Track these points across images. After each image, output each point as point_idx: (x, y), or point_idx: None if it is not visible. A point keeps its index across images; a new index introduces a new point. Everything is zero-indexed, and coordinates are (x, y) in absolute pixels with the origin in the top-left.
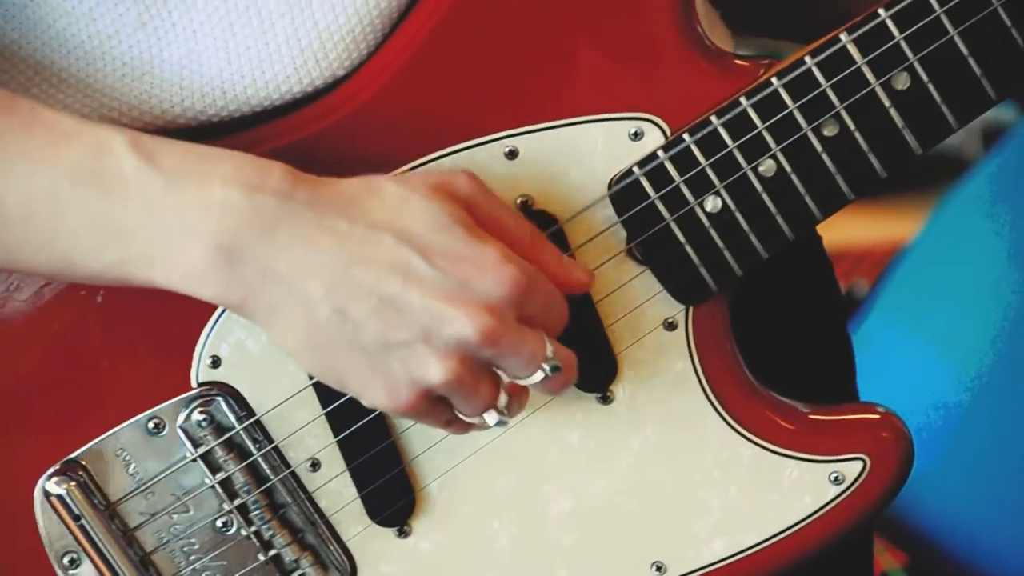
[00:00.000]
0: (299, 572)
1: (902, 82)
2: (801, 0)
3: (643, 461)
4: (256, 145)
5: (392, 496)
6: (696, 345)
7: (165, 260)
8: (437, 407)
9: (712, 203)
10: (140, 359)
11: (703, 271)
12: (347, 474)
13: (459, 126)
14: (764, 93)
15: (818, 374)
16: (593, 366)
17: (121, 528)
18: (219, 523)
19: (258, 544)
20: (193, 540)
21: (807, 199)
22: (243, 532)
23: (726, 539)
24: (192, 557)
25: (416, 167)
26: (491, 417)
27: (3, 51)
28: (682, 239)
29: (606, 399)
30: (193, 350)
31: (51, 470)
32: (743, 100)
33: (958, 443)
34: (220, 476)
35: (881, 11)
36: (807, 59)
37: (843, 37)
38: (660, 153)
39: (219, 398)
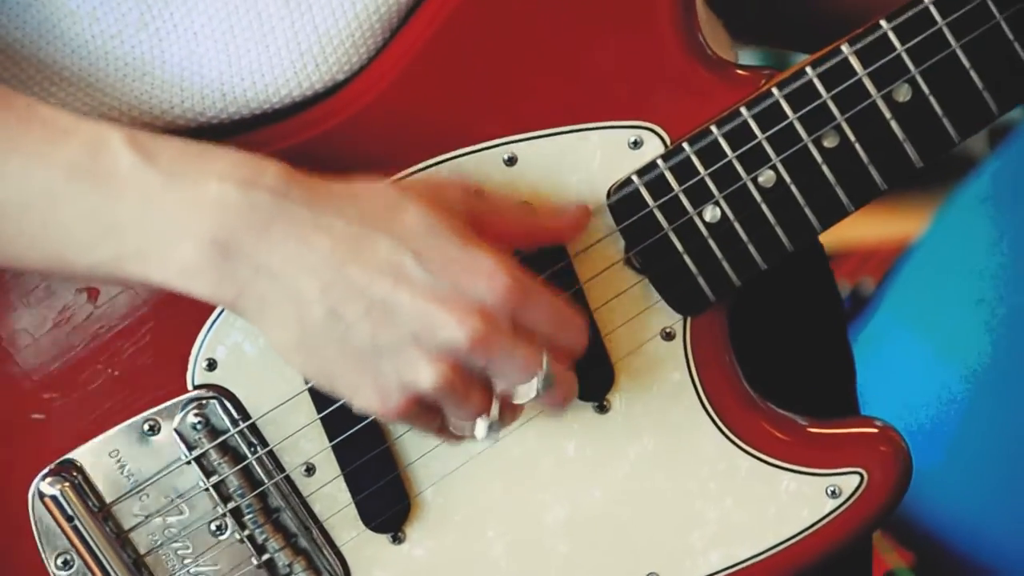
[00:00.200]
0: None
1: (903, 94)
2: (803, 10)
3: (639, 471)
4: (255, 148)
5: (386, 502)
6: (694, 355)
7: (159, 256)
8: (428, 413)
9: (711, 213)
10: (136, 361)
11: (701, 281)
12: (341, 479)
13: (458, 132)
14: (765, 103)
15: (817, 383)
16: (590, 375)
17: (115, 530)
18: (213, 526)
19: (251, 548)
20: (187, 543)
21: (806, 210)
22: (236, 536)
23: (722, 551)
24: (186, 560)
25: (415, 172)
26: (481, 426)
27: (6, 49)
28: (680, 248)
29: (603, 408)
30: (189, 353)
31: (45, 470)
32: (743, 110)
33: (964, 441)
34: (214, 479)
35: (883, 23)
36: (808, 70)
37: (844, 48)
38: (659, 162)
39: (214, 401)
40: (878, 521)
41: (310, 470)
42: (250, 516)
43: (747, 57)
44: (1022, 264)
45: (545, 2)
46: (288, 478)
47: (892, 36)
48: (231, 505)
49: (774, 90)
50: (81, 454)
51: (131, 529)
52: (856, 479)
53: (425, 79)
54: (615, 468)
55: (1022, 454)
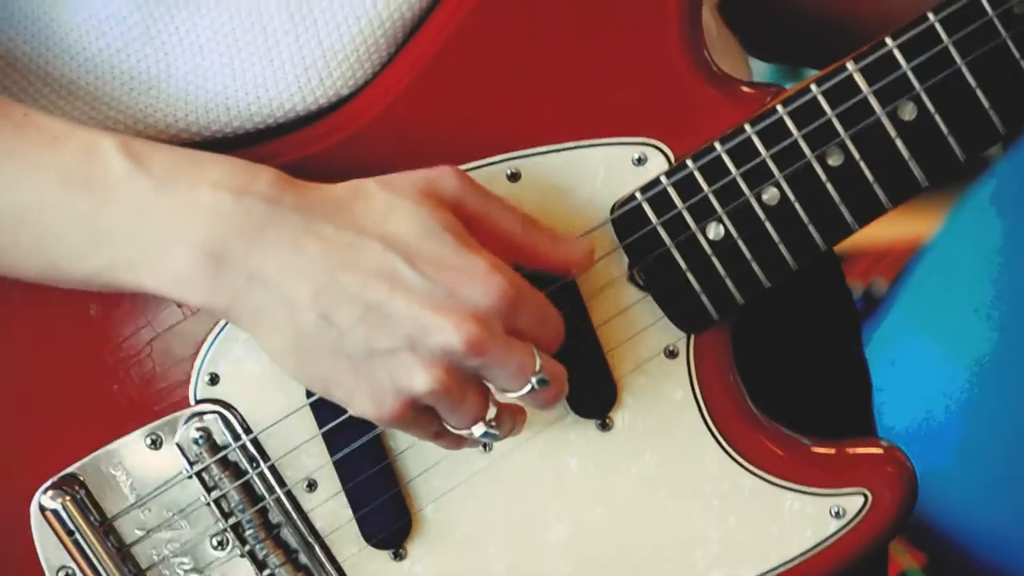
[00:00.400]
0: None
1: (908, 112)
2: (820, 26)
3: (642, 489)
4: (259, 162)
5: (388, 518)
6: (697, 373)
7: (152, 264)
8: (424, 417)
9: (714, 230)
10: (139, 375)
11: (704, 298)
12: (343, 495)
13: (462, 147)
14: (769, 120)
15: (833, 398)
16: (592, 392)
17: (116, 544)
18: (214, 541)
19: (252, 563)
20: (188, 557)
21: (810, 228)
22: (237, 551)
23: (724, 570)
24: (187, 575)
25: None
26: (478, 430)
27: (14, 63)
28: (683, 266)
29: (605, 426)
30: (192, 367)
31: (47, 484)
32: (747, 127)
33: (977, 442)
34: (215, 494)
35: (888, 40)
36: (813, 87)
37: (850, 65)
38: (663, 179)
39: (216, 415)
40: (882, 542)
41: (311, 485)
42: (251, 531)
43: (768, 73)
44: None
45: (549, 18)
46: (290, 493)
47: (897, 54)
48: (232, 520)
49: (778, 107)
50: (83, 467)
51: (132, 544)
52: (860, 500)
53: (429, 94)
54: (617, 486)
55: None
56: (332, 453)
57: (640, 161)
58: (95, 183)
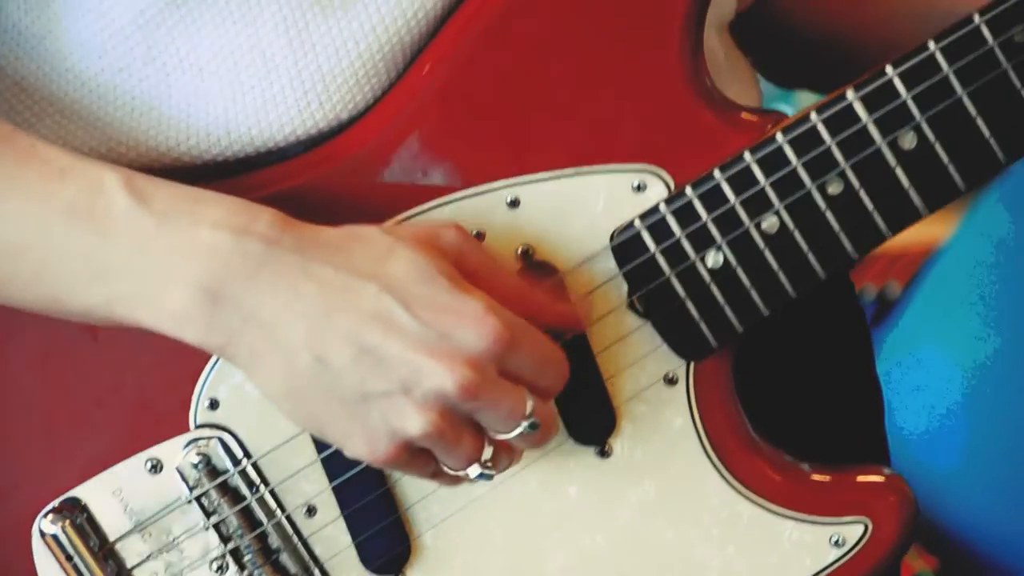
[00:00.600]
0: None
1: (909, 141)
2: (824, 51)
3: (641, 517)
4: (259, 188)
5: (387, 544)
6: (697, 401)
7: (150, 301)
8: (419, 459)
9: (713, 258)
10: (140, 399)
11: (703, 326)
12: (342, 520)
13: (462, 173)
14: (768, 148)
15: (844, 419)
16: (592, 419)
17: (116, 569)
18: (214, 566)
19: None
20: None
21: (810, 256)
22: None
23: None
24: None
25: (417, 214)
26: (473, 471)
27: (20, 82)
28: (683, 294)
29: (604, 453)
30: (192, 391)
31: (47, 508)
32: (747, 155)
33: (990, 445)
34: (214, 519)
35: (888, 68)
36: (813, 115)
37: (849, 94)
38: (662, 206)
39: (216, 440)
40: (882, 570)
41: (311, 511)
42: (249, 556)
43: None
44: None
45: (550, 46)
46: (289, 518)
47: (898, 82)
48: (231, 545)
49: (778, 135)
50: (84, 491)
51: (133, 568)
52: (860, 528)
53: (429, 120)
54: (617, 514)
55: None
56: (331, 479)
57: (640, 188)
58: (97, 218)
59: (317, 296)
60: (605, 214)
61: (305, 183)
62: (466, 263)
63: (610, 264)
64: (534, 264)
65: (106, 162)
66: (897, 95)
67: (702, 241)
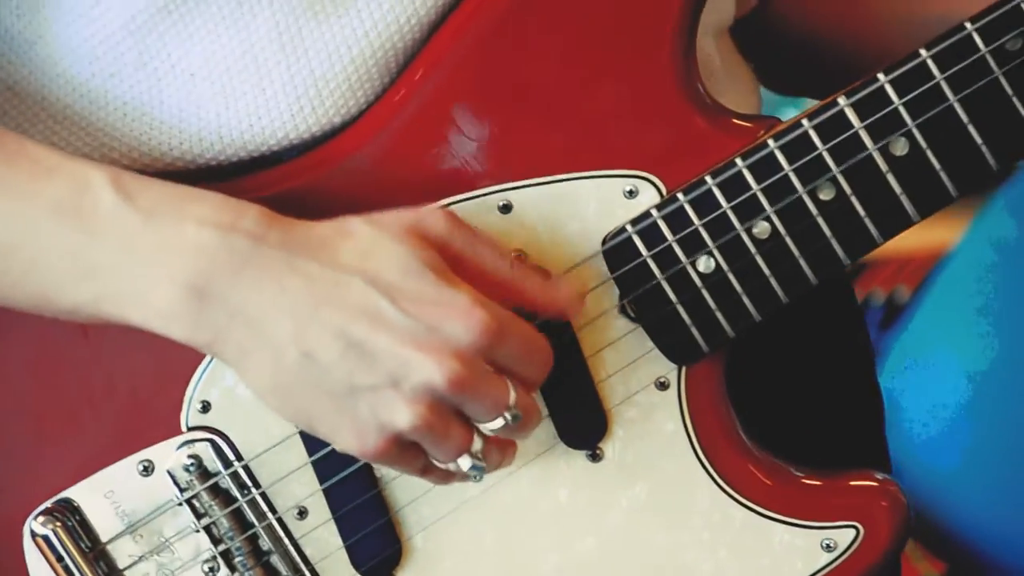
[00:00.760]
0: None
1: (900, 148)
2: (818, 57)
3: (632, 521)
4: (251, 192)
5: (377, 546)
6: (688, 405)
7: (138, 299)
8: (409, 453)
9: (704, 263)
10: (132, 401)
11: (694, 331)
12: (332, 522)
13: (454, 178)
14: (760, 154)
15: (843, 424)
16: (583, 423)
17: (107, 570)
18: (206, 568)
19: None
20: None
21: (801, 262)
22: None
23: None
24: None
25: None
26: (465, 462)
27: (13, 87)
28: (674, 298)
29: (595, 456)
30: (184, 394)
31: (39, 509)
32: (739, 161)
33: (999, 449)
34: (205, 521)
35: (880, 75)
36: (804, 121)
37: (841, 101)
38: (653, 212)
39: (207, 443)
40: (874, 575)
41: (302, 513)
42: (240, 558)
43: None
44: None
45: (543, 52)
46: (280, 520)
47: (889, 89)
48: (221, 547)
49: (770, 141)
50: (76, 492)
51: (124, 569)
52: (852, 533)
53: (422, 126)
54: (608, 517)
55: None
56: (322, 481)
57: (631, 194)
58: (85, 216)
59: (303, 291)
60: (597, 219)
61: (298, 187)
62: (452, 248)
63: (602, 269)
64: None
65: (95, 161)
66: (889, 102)
67: (693, 246)
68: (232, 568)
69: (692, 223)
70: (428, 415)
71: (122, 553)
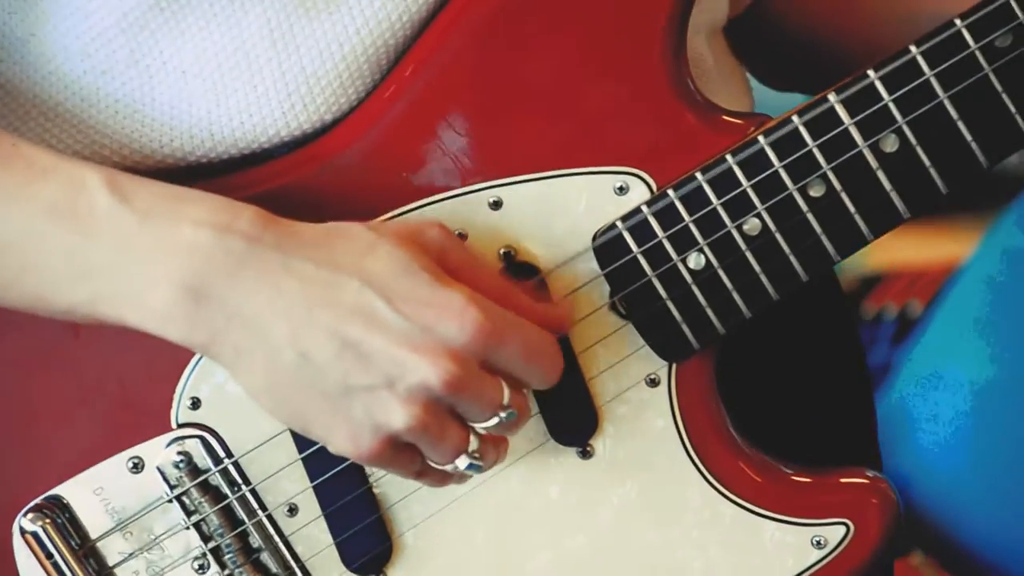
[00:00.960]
0: None
1: (890, 145)
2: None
3: (622, 518)
4: (243, 189)
5: (368, 544)
6: (679, 402)
7: (133, 300)
8: (404, 455)
9: (695, 260)
10: (122, 398)
11: (685, 328)
12: (323, 519)
13: (445, 175)
14: (750, 151)
15: (834, 425)
16: (573, 420)
17: (96, 567)
18: (195, 565)
19: None
20: None
21: (791, 258)
22: (217, 575)
23: None
24: None
25: (400, 215)
26: (462, 462)
27: (5, 85)
28: (664, 295)
29: (586, 453)
30: (174, 391)
31: (28, 506)
32: (729, 157)
33: (1012, 463)
34: (195, 518)
35: (870, 72)
36: (794, 118)
37: (831, 97)
38: (644, 208)
39: (197, 440)
40: (865, 571)
41: (292, 510)
42: (230, 556)
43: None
44: None
45: (534, 49)
46: (270, 517)
47: (879, 85)
48: (211, 544)
49: (760, 138)
50: (65, 490)
51: (114, 567)
52: (842, 530)
53: (413, 122)
54: (598, 514)
55: None
56: (312, 478)
57: (622, 190)
58: (80, 217)
59: (299, 292)
60: (587, 216)
61: (289, 184)
62: (448, 260)
63: (592, 265)
64: (516, 265)
65: (89, 162)
66: (879, 98)
67: (684, 243)
68: (222, 565)
69: (683, 220)
70: (423, 416)
71: (112, 550)
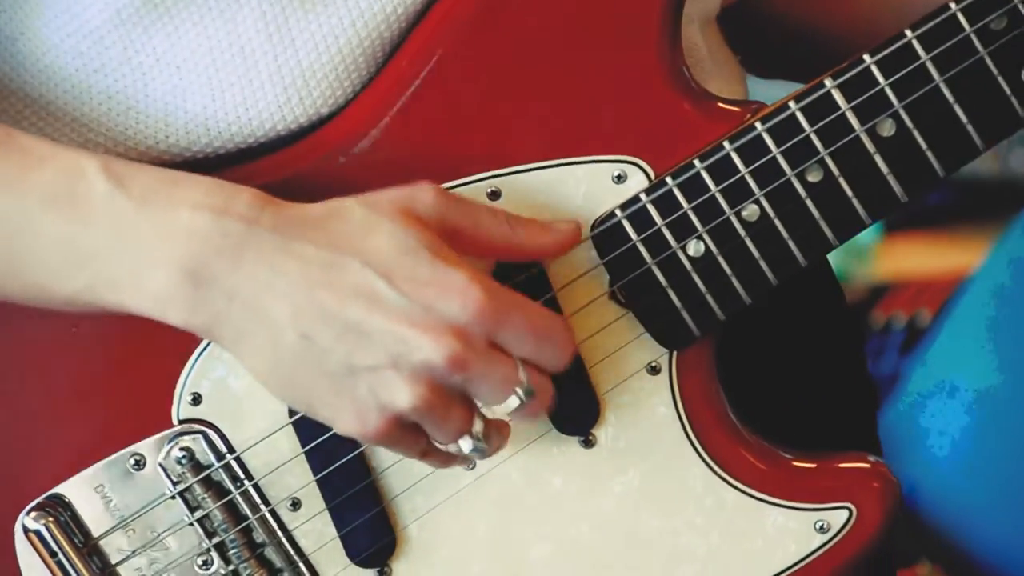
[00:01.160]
0: None
1: (887, 129)
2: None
3: (625, 506)
4: (238, 183)
5: (371, 536)
6: (680, 390)
7: (133, 284)
8: (410, 435)
9: (694, 247)
10: (122, 395)
11: (685, 315)
12: (327, 513)
13: (442, 166)
14: (747, 137)
15: (834, 411)
16: (575, 409)
17: (100, 565)
18: (199, 561)
19: None
20: None
21: (790, 244)
22: (222, 570)
23: None
24: None
25: None
26: (466, 444)
27: None
28: (664, 282)
29: (588, 443)
30: (174, 387)
31: (31, 505)
32: (726, 144)
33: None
34: (198, 514)
35: (866, 56)
36: (791, 104)
37: (828, 82)
38: (642, 196)
39: (199, 435)
40: (868, 556)
41: (295, 504)
42: (235, 551)
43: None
44: None
45: (530, 39)
46: (273, 512)
47: (875, 70)
48: (215, 540)
49: (757, 124)
50: (67, 488)
51: (117, 564)
52: (845, 514)
53: (409, 115)
54: (601, 503)
55: None
56: (315, 472)
57: (620, 179)
58: (77, 204)
59: (299, 273)
60: (586, 205)
61: (286, 177)
62: (447, 222)
63: (591, 254)
64: None
65: (85, 150)
66: (875, 83)
67: (683, 230)
68: (226, 561)
69: (681, 207)
70: (428, 395)
71: (115, 548)
